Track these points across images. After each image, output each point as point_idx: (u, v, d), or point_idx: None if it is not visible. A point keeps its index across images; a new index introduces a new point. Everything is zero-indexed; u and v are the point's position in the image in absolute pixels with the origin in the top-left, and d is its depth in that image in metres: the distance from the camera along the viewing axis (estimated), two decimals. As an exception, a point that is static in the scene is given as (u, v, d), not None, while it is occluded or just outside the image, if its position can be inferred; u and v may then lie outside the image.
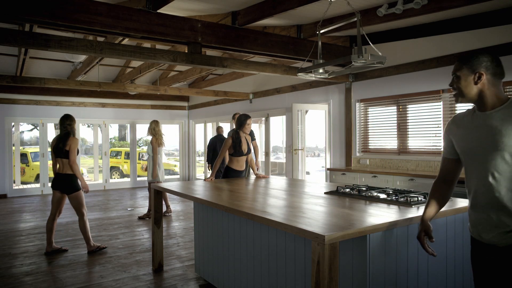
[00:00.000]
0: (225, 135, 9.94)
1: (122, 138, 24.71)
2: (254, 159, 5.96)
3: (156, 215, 3.98)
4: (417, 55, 5.52)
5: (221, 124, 10.52)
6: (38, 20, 3.59)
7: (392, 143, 6.04)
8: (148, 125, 6.77)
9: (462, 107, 5.18)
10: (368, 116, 6.42)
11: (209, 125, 11.30)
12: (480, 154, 1.75)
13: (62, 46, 3.78)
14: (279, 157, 14.81)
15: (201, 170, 12.66)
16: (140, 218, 6.59)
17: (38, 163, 5.09)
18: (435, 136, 5.47)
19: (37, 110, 9.81)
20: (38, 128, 10.04)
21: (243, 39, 4.54)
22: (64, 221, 6.27)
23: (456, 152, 1.92)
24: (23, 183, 11.40)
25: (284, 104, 8.07)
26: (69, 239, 5.24)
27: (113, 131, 23.87)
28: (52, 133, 13.09)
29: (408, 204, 2.52)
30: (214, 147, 7.88)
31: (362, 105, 6.45)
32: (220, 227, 3.39)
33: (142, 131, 20.92)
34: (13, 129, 9.88)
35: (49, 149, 5.20)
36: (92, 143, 12.14)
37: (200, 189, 3.61)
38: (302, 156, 7.35)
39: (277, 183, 4.06)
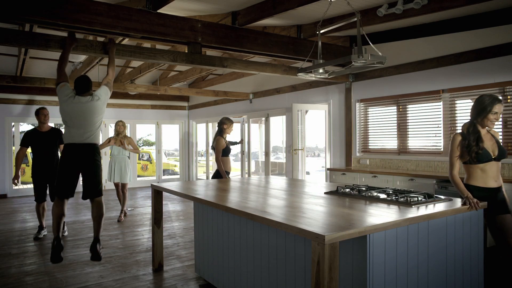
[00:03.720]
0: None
1: (122, 138, 24.65)
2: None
3: (156, 215, 3.98)
4: (417, 55, 5.52)
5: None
6: (38, 20, 3.58)
7: (392, 143, 6.04)
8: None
9: (463, 108, 5.18)
10: (368, 116, 6.42)
11: (210, 125, 11.30)
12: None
13: (62, 46, 3.78)
14: (279, 157, 14.81)
15: (202, 170, 12.64)
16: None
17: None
18: (435, 136, 5.47)
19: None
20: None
21: (243, 39, 4.54)
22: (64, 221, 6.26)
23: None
24: (23, 183, 11.38)
25: (284, 104, 8.06)
26: (69, 239, 5.24)
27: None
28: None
29: (408, 204, 2.52)
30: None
31: (362, 105, 6.45)
32: (220, 227, 3.39)
33: (142, 131, 20.93)
34: (13, 129, 9.88)
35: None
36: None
37: (200, 189, 3.61)
38: (302, 156, 7.35)
39: (277, 183, 4.06)
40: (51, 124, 5.61)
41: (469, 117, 3.03)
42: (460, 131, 3.03)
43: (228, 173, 5.40)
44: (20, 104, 9.62)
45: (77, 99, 3.67)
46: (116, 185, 6.69)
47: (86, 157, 3.69)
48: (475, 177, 2.95)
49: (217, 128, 5.61)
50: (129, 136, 6.88)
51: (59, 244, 3.60)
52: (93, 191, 3.73)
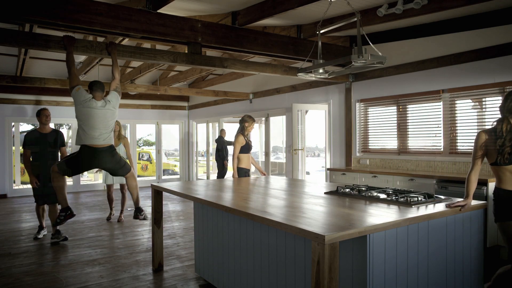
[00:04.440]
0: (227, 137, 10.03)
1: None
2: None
3: (156, 215, 3.98)
4: (417, 55, 5.52)
5: (222, 124, 10.58)
6: (38, 20, 3.58)
7: (392, 143, 6.04)
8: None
9: (463, 108, 5.18)
10: (368, 116, 6.41)
11: (210, 125, 11.30)
12: None
13: (62, 46, 3.79)
14: (279, 157, 14.80)
15: (203, 170, 12.64)
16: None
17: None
18: (435, 136, 5.47)
19: (37, 110, 9.80)
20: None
21: (243, 39, 4.54)
22: (64, 221, 6.25)
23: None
24: (23, 183, 11.40)
25: (284, 104, 8.06)
26: (69, 239, 5.24)
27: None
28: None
29: (408, 204, 2.52)
30: (217, 148, 9.03)
31: (362, 105, 6.45)
32: (220, 227, 3.39)
33: (142, 131, 20.93)
34: (13, 129, 9.88)
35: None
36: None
37: (200, 189, 3.61)
38: (302, 156, 7.35)
39: (277, 183, 4.06)
40: (51, 125, 5.57)
41: (500, 115, 2.73)
42: (486, 128, 2.73)
43: (247, 170, 5.45)
44: (20, 104, 9.62)
45: (93, 104, 3.87)
46: (109, 186, 6.44)
47: (106, 159, 3.98)
48: (506, 180, 2.67)
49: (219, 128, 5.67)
50: (125, 136, 6.70)
51: (72, 213, 4.07)
52: (125, 172, 4.20)
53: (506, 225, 2.69)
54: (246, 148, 5.46)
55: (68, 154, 4.27)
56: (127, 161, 6.59)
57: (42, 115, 5.20)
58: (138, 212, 4.35)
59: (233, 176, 5.33)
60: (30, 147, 5.09)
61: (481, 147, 2.71)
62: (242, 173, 5.39)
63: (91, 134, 3.87)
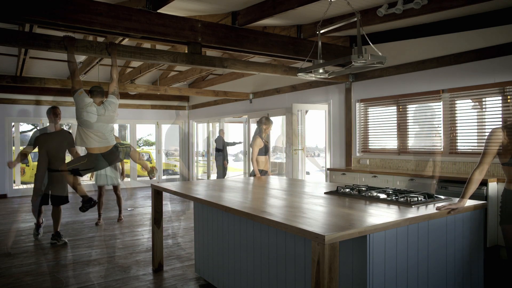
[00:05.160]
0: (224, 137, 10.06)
1: (122, 138, 24.65)
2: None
3: (156, 215, 3.98)
4: (417, 55, 5.52)
5: (223, 124, 10.61)
6: (38, 20, 3.58)
7: (392, 143, 6.04)
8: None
9: (463, 108, 5.18)
10: (368, 116, 6.41)
11: (211, 125, 11.30)
12: None
13: (62, 47, 3.79)
14: (279, 157, 14.79)
15: (203, 170, 12.63)
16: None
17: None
18: (435, 136, 5.47)
19: (37, 110, 9.81)
20: (38, 128, 10.04)
21: (243, 39, 4.54)
22: (64, 221, 6.26)
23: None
24: (23, 183, 11.40)
25: (284, 104, 8.06)
26: (69, 239, 5.24)
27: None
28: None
29: (408, 204, 2.52)
30: (217, 148, 9.36)
31: (362, 105, 6.45)
32: (220, 227, 3.39)
33: (142, 131, 20.92)
34: (13, 129, 9.88)
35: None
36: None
37: (200, 189, 3.61)
38: (302, 156, 7.34)
39: (277, 183, 4.06)
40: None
41: None
42: (501, 125, 2.60)
43: (265, 172, 5.49)
44: (20, 104, 9.62)
45: (94, 109, 3.96)
46: (100, 188, 6.27)
47: (114, 157, 4.22)
48: None
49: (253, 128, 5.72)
50: (117, 136, 6.57)
51: (95, 202, 4.55)
52: (129, 151, 4.39)
53: (510, 228, 2.61)
54: (264, 151, 5.49)
55: (77, 158, 4.37)
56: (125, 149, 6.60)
57: (52, 114, 5.16)
58: (151, 174, 4.58)
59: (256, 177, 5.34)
60: (38, 146, 5.06)
61: (497, 145, 2.51)
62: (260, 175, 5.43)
63: (92, 137, 3.98)
